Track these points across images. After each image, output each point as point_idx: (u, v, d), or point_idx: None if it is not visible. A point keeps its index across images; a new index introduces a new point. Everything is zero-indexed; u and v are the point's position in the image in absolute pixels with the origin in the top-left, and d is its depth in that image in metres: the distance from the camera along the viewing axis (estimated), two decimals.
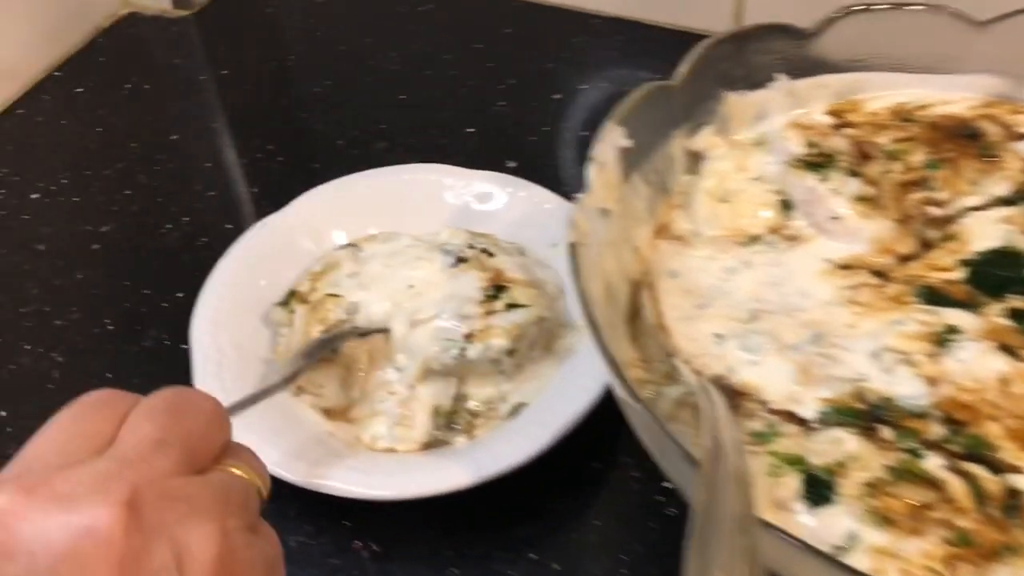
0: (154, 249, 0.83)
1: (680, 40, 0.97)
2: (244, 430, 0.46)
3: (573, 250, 0.55)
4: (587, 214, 0.58)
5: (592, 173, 0.60)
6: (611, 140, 0.62)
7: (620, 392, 0.50)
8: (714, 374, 0.59)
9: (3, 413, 0.73)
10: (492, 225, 0.78)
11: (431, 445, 0.65)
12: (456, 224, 0.77)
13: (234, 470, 0.37)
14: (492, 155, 0.89)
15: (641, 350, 0.61)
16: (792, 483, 0.51)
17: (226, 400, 0.64)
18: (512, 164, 0.88)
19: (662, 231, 0.68)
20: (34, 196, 0.88)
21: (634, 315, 0.63)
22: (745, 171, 0.68)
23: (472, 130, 0.93)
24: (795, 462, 0.52)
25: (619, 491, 0.67)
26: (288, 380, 0.63)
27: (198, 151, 0.92)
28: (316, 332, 0.68)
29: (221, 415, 0.38)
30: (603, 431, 0.65)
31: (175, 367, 0.73)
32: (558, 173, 0.89)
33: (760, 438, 0.54)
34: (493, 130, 0.91)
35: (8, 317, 0.79)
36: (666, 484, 0.66)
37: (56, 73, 1.03)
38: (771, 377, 0.58)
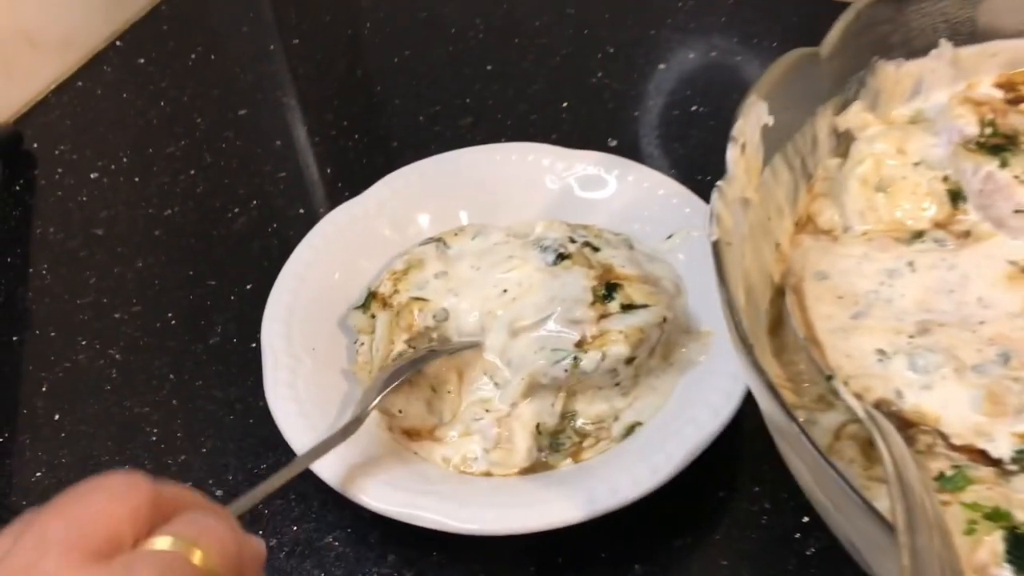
0: (220, 236, 0.77)
1: (799, 2, 0.87)
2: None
3: (718, 250, 0.45)
4: (729, 206, 0.49)
5: (733, 156, 0.50)
6: (754, 117, 0.52)
7: (780, 421, 0.41)
8: (877, 399, 0.49)
9: (56, 416, 0.66)
10: (595, 214, 0.69)
11: (532, 468, 0.56)
12: (555, 213, 0.68)
13: (159, 544, 0.32)
14: (590, 133, 0.80)
15: (785, 367, 0.52)
16: (994, 543, 0.42)
17: (300, 413, 0.58)
18: (613, 143, 0.79)
19: (805, 224, 0.58)
20: (93, 176, 0.83)
21: (775, 325, 0.54)
22: (905, 154, 0.57)
23: (566, 104, 0.84)
24: (997, 517, 0.42)
25: (747, 525, 0.57)
26: (368, 410, 0.55)
27: (268, 128, 0.87)
28: (401, 341, 0.60)
29: (130, 490, 0.33)
30: (723, 452, 0.56)
31: (244, 368, 0.66)
32: (665, 154, 0.79)
33: (948, 484, 0.44)
34: (591, 105, 0.84)
35: (64, 309, 0.73)
36: (805, 519, 0.57)
37: (117, 43, 0.97)
38: (950, 405, 0.48)
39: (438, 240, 0.66)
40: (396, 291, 0.63)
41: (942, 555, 0.37)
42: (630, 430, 0.57)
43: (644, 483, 0.52)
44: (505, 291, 0.61)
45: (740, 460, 0.60)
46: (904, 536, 0.36)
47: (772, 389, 0.41)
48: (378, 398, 0.55)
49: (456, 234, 0.66)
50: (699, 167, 0.77)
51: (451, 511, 0.52)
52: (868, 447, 0.48)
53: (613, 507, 0.51)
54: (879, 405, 0.49)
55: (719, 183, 0.49)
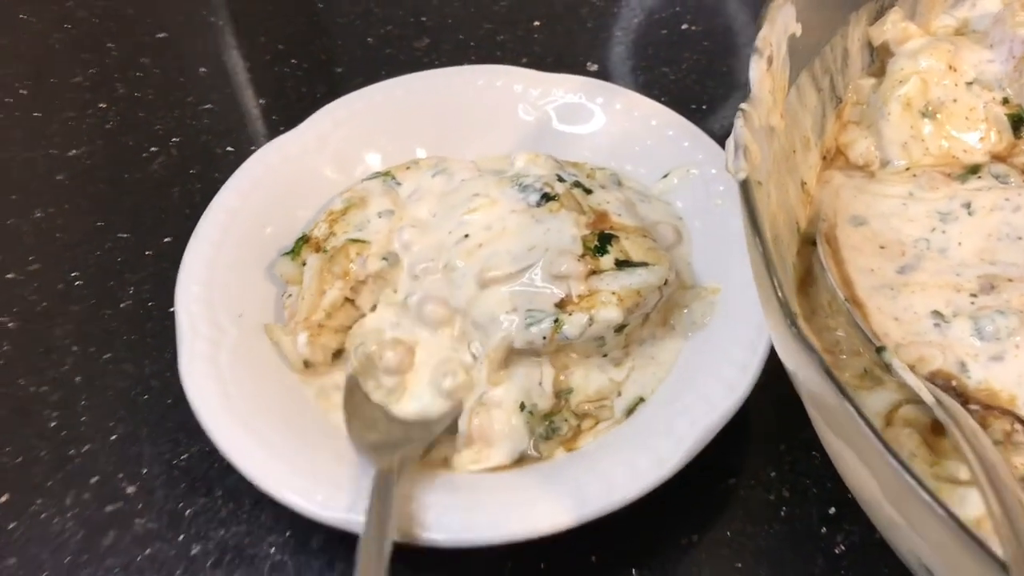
0: (134, 180, 0.67)
1: None
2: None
3: (748, 191, 0.35)
4: (756, 134, 0.38)
5: (758, 72, 0.40)
6: (781, 23, 0.42)
7: (834, 404, 0.32)
8: (933, 371, 0.40)
9: None
10: (577, 150, 0.59)
11: (523, 458, 0.47)
12: (530, 149, 0.57)
13: None
14: (566, 56, 0.70)
15: (819, 335, 0.42)
16: None
17: (222, 395, 0.46)
18: (593, 67, 0.69)
19: (835, 158, 0.48)
20: None
21: (803, 282, 0.44)
22: (956, 72, 0.47)
23: (538, 23, 0.73)
24: None
25: (764, 518, 0.48)
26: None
27: (191, 53, 0.77)
28: (336, 291, 0.50)
29: None
30: (730, 429, 0.47)
31: (161, 337, 0.57)
32: (653, 80, 0.69)
33: None
34: (566, 23, 0.74)
35: None
36: (832, 509, 0.48)
37: None
38: None
39: (385, 175, 0.55)
40: (332, 233, 0.52)
41: None
42: (634, 407, 0.47)
43: (645, 477, 0.42)
44: (466, 236, 0.50)
45: (751, 439, 0.51)
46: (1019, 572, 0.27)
47: (829, 375, 0.31)
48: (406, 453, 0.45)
49: (408, 168, 0.56)
50: (693, 95, 0.67)
51: (410, 515, 0.42)
52: (930, 435, 0.38)
53: (608, 509, 0.42)
54: (934, 378, 0.39)
55: (742, 106, 0.38)
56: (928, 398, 0.36)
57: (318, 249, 0.53)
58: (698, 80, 0.68)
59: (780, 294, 0.33)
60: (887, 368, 0.39)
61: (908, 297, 0.42)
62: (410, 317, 0.50)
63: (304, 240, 0.54)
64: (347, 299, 0.52)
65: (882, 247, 0.44)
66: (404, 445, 0.45)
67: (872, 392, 0.40)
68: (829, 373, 0.31)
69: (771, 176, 0.41)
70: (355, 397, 0.49)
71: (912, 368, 0.39)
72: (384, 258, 0.51)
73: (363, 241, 0.52)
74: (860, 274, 0.43)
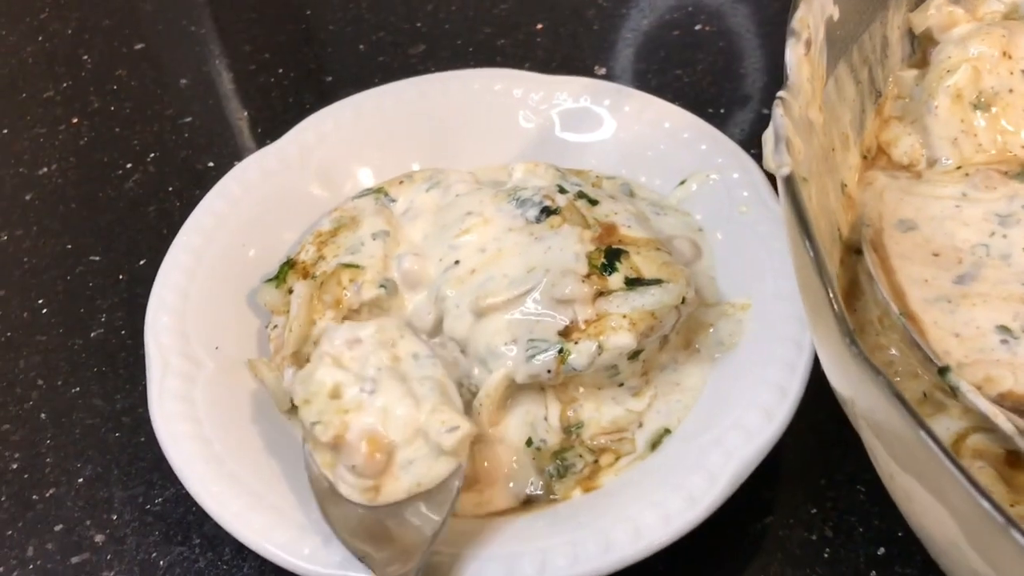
0: (107, 198, 0.63)
1: None
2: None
3: (792, 188, 0.30)
4: (797, 125, 0.33)
5: (795, 57, 0.35)
6: (818, 4, 0.37)
7: (904, 434, 0.27)
8: (1002, 393, 0.35)
9: None
10: (584, 159, 0.54)
11: (527, 502, 0.41)
12: (533, 158, 0.52)
13: None
14: (572, 61, 0.67)
15: (870, 353, 0.37)
16: None
17: (196, 437, 0.40)
18: (601, 72, 0.64)
19: (876, 157, 0.43)
20: None
21: (848, 294, 0.39)
22: (1011, 59, 0.43)
23: (541, 27, 0.69)
24: None
25: (805, 559, 0.43)
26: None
27: (170, 64, 0.72)
28: (328, 320, 0.45)
29: None
30: (764, 466, 0.41)
31: (134, 369, 0.54)
32: (666, 84, 0.64)
33: None
34: (572, 26, 0.70)
35: None
36: (881, 550, 0.43)
37: None
38: None
39: (378, 191, 0.50)
40: (321, 257, 0.47)
41: None
42: (658, 440, 0.42)
43: (677, 520, 0.37)
44: (456, 263, 0.45)
45: (786, 473, 0.46)
46: None
47: (900, 400, 0.26)
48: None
49: (402, 182, 0.51)
50: (709, 99, 0.63)
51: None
52: (1005, 468, 0.33)
53: (636, 557, 0.37)
54: (1004, 400, 0.34)
55: (781, 94, 0.34)
56: (1007, 426, 0.31)
57: (306, 275, 0.48)
58: (714, 82, 0.64)
59: (836, 306, 0.28)
60: (952, 391, 0.34)
61: (969, 310, 0.37)
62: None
63: (289, 265, 0.49)
64: None
65: (935, 254, 0.39)
66: (409, 539, 0.38)
67: (933, 419, 0.35)
68: (900, 398, 0.26)
69: (811, 176, 0.36)
70: (325, 492, 0.40)
71: (979, 390, 0.34)
72: (381, 285, 0.46)
73: (356, 266, 0.47)
74: (912, 285, 0.38)
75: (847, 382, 0.30)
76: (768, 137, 0.32)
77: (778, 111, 0.33)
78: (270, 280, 0.48)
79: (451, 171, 0.52)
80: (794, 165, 0.31)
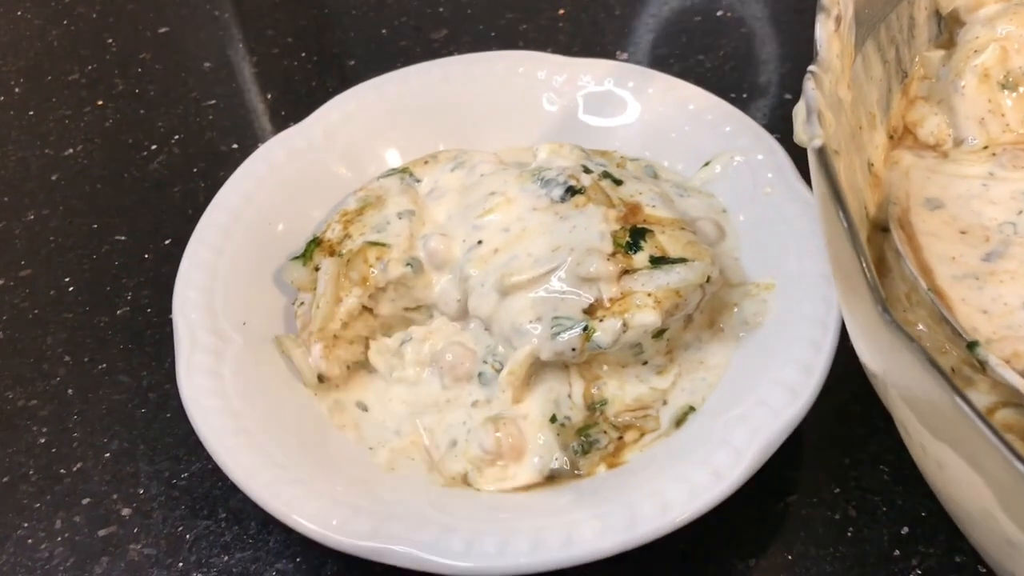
0: (133, 179, 0.63)
1: None
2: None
3: (825, 161, 0.30)
4: (828, 99, 0.34)
5: (826, 33, 0.35)
6: None
7: (940, 402, 0.27)
8: None
9: None
10: (608, 141, 0.55)
11: (552, 478, 0.42)
12: (558, 138, 0.52)
13: None
14: (594, 46, 0.67)
15: None
16: None
17: (226, 412, 0.41)
18: (623, 57, 0.64)
19: (902, 137, 0.43)
20: None
21: (876, 269, 0.39)
22: None
23: (563, 11, 0.69)
24: None
25: (829, 539, 0.43)
26: None
27: (194, 47, 0.73)
28: (353, 299, 0.45)
29: None
30: (786, 445, 0.41)
31: (160, 346, 0.55)
32: (688, 69, 0.64)
33: None
34: (593, 11, 0.71)
35: None
36: (905, 528, 0.43)
37: None
38: None
39: (403, 171, 0.51)
40: (347, 235, 0.48)
41: None
42: (683, 417, 0.42)
43: (705, 495, 0.37)
44: (480, 243, 0.46)
45: (809, 452, 0.46)
46: None
47: (935, 367, 0.26)
48: None
49: (427, 162, 0.51)
50: (731, 84, 0.63)
51: (435, 542, 0.37)
52: None
53: (663, 531, 0.37)
54: None
55: (811, 68, 0.34)
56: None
57: (332, 253, 0.48)
58: (736, 68, 0.64)
59: (869, 276, 0.28)
60: (980, 366, 0.34)
61: (996, 287, 0.37)
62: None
63: (316, 243, 0.49)
64: (365, 308, 0.47)
65: (963, 232, 0.39)
66: None
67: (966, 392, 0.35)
68: (935, 365, 0.26)
69: (841, 153, 0.36)
70: None
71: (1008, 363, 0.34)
72: (408, 264, 0.47)
73: (383, 244, 0.47)
74: (940, 262, 0.38)
75: (879, 353, 0.30)
76: (799, 110, 0.32)
77: (809, 84, 0.33)
78: (296, 258, 0.49)
79: (475, 152, 0.52)
80: (825, 138, 0.31)
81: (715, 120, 0.53)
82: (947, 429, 0.27)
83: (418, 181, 0.51)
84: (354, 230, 0.48)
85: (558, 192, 0.47)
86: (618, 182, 0.48)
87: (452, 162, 0.51)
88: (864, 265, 0.28)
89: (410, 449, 0.43)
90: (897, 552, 0.43)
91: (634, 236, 0.45)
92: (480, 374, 0.44)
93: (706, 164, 0.52)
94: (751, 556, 0.43)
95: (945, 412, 0.26)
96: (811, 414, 0.41)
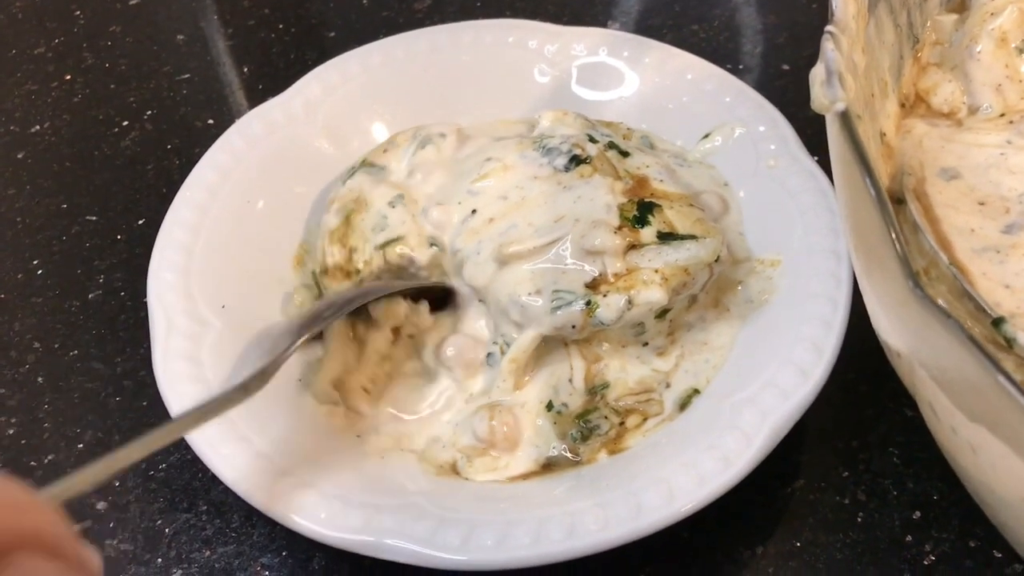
0: (104, 157, 0.61)
1: None
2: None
3: (849, 125, 0.28)
4: (846, 62, 0.32)
5: None
6: None
7: (979, 380, 0.25)
8: None
9: None
10: (603, 114, 0.52)
11: (550, 466, 0.40)
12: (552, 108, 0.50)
13: None
14: (584, 15, 0.64)
15: None
16: None
17: (199, 397, 0.40)
18: (614, 26, 0.62)
19: (914, 105, 0.41)
20: None
21: None
22: None
23: None
24: None
25: (838, 525, 0.42)
26: (280, 360, 0.37)
27: (166, 19, 0.70)
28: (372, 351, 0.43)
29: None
30: (792, 429, 0.40)
31: (135, 331, 0.52)
32: (682, 39, 0.62)
33: None
34: None
35: None
36: (917, 513, 0.41)
37: None
38: None
39: (365, 165, 0.48)
40: (352, 250, 0.45)
41: None
42: (687, 400, 0.41)
43: (714, 481, 0.36)
44: (474, 212, 0.44)
45: (816, 436, 0.44)
46: None
47: (974, 342, 0.24)
48: (296, 343, 0.38)
49: (386, 150, 0.49)
50: (727, 54, 0.61)
51: (430, 535, 0.35)
52: None
53: (671, 519, 0.35)
54: None
55: (829, 28, 0.32)
56: None
57: (348, 275, 0.45)
58: (731, 38, 0.62)
59: (899, 247, 0.26)
60: (1007, 344, 0.32)
61: (1019, 261, 0.35)
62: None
63: (323, 273, 0.47)
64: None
65: (981, 204, 0.37)
66: None
67: None
68: (974, 340, 0.24)
69: (862, 118, 0.34)
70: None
71: None
72: (431, 244, 0.45)
73: (396, 238, 0.45)
74: (959, 235, 0.36)
75: (907, 331, 0.28)
76: (818, 73, 0.30)
77: (828, 44, 0.31)
78: (303, 286, 0.47)
79: (432, 124, 0.50)
80: (850, 102, 0.29)
81: (715, 90, 0.51)
82: (986, 410, 0.25)
83: (382, 169, 0.48)
84: (355, 242, 0.46)
85: (561, 161, 0.45)
86: (625, 153, 0.46)
87: (413, 141, 0.49)
88: (895, 235, 0.26)
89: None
90: (909, 538, 0.41)
91: (642, 210, 0.43)
92: (488, 355, 0.42)
93: (706, 136, 0.50)
94: (758, 544, 0.41)
95: (985, 392, 0.24)
96: (818, 395, 0.39)
